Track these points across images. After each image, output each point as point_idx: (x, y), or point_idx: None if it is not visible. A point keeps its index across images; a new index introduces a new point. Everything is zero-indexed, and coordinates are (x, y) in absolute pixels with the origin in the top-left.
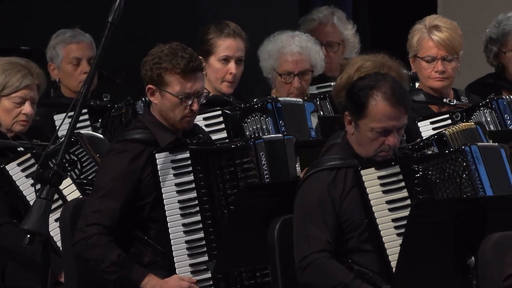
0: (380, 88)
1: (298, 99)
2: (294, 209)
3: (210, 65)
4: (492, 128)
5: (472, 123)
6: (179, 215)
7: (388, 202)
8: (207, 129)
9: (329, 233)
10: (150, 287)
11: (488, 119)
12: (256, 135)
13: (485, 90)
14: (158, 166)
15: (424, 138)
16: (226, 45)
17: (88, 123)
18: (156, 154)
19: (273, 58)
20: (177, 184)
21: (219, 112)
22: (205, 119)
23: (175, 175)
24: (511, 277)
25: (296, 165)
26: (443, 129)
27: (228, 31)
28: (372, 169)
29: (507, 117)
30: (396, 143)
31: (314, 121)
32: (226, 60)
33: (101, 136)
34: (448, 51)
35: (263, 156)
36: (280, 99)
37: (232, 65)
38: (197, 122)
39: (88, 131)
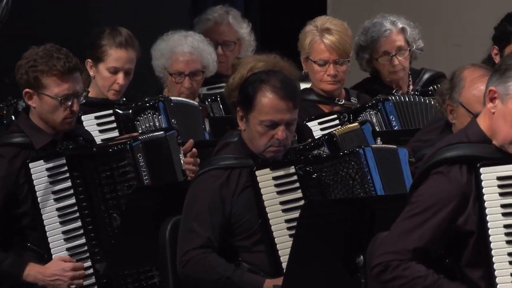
0: (270, 81)
1: (193, 101)
2: (183, 206)
3: (99, 71)
4: (378, 129)
5: (356, 123)
6: (59, 222)
7: (282, 203)
8: (98, 128)
9: (213, 231)
10: (32, 278)
11: (374, 120)
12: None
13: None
14: (32, 175)
15: (315, 138)
16: (116, 56)
17: None
18: (29, 164)
19: (165, 57)
20: (54, 192)
21: (111, 111)
22: (96, 117)
23: (51, 182)
24: (377, 266)
25: (180, 155)
26: (333, 129)
27: (120, 41)
28: (267, 170)
29: (393, 119)
30: (286, 138)
31: (207, 123)
32: (115, 70)
33: None
34: (340, 54)
35: (141, 158)
36: (172, 98)
37: (120, 76)
38: (89, 121)
39: None
